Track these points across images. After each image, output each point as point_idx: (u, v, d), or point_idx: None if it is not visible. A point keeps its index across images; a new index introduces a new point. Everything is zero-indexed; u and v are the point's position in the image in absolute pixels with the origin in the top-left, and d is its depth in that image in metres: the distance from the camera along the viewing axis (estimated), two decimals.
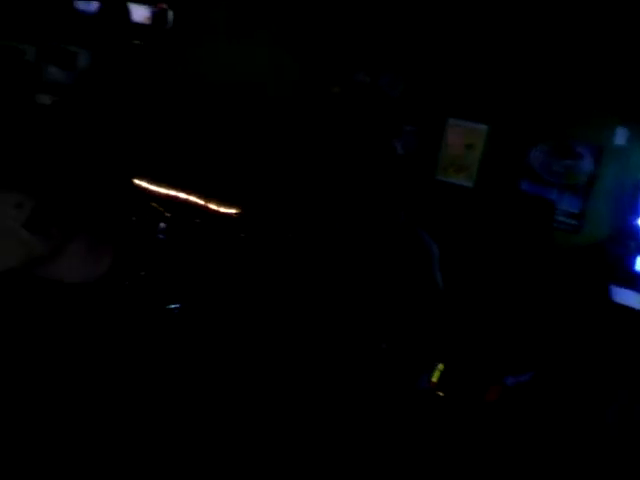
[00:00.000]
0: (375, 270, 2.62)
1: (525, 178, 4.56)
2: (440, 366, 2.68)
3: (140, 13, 5.00)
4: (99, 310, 1.17)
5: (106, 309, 1.18)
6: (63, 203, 1.10)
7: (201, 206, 3.86)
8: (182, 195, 3.87)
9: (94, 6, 5.08)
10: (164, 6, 4.96)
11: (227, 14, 4.99)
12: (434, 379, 2.68)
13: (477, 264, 3.87)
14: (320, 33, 4.81)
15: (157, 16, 4.98)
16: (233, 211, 3.92)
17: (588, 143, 4.43)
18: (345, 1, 4.68)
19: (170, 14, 4.99)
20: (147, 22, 5.01)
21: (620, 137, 4.35)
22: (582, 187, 4.46)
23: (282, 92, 4.89)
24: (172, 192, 3.81)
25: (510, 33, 4.42)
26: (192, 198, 3.87)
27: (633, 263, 4.20)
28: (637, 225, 4.27)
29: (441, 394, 2.71)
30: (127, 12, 5.00)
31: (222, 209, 3.90)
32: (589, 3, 4.13)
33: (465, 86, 4.62)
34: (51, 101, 4.89)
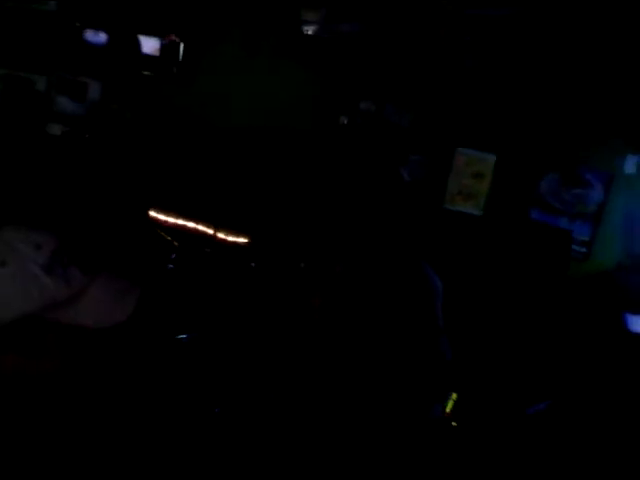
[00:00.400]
0: (379, 302, 2.59)
1: (535, 207, 4.54)
2: (454, 396, 2.64)
3: (150, 45, 5.06)
4: (112, 348, 1.13)
5: (119, 346, 1.14)
6: (83, 241, 1.03)
7: (210, 235, 3.85)
8: (190, 224, 3.86)
9: (103, 38, 5.14)
10: (174, 38, 5.01)
11: (238, 45, 5.04)
12: (448, 409, 2.64)
13: (489, 293, 3.83)
14: (329, 63, 4.85)
15: (167, 48, 5.03)
16: (243, 240, 3.91)
17: (598, 171, 4.42)
18: (353, 32, 4.72)
19: (181, 46, 5.04)
20: (157, 54, 5.06)
21: (630, 165, 4.35)
22: (592, 215, 4.44)
23: (290, 121, 4.91)
24: (180, 221, 3.81)
25: (518, 61, 4.44)
26: (201, 227, 3.86)
27: None
28: None
29: (455, 424, 2.67)
30: (137, 44, 5.06)
31: (231, 238, 3.89)
32: (598, 30, 4.15)
33: (473, 116, 4.63)
34: (61, 131, 4.92)
